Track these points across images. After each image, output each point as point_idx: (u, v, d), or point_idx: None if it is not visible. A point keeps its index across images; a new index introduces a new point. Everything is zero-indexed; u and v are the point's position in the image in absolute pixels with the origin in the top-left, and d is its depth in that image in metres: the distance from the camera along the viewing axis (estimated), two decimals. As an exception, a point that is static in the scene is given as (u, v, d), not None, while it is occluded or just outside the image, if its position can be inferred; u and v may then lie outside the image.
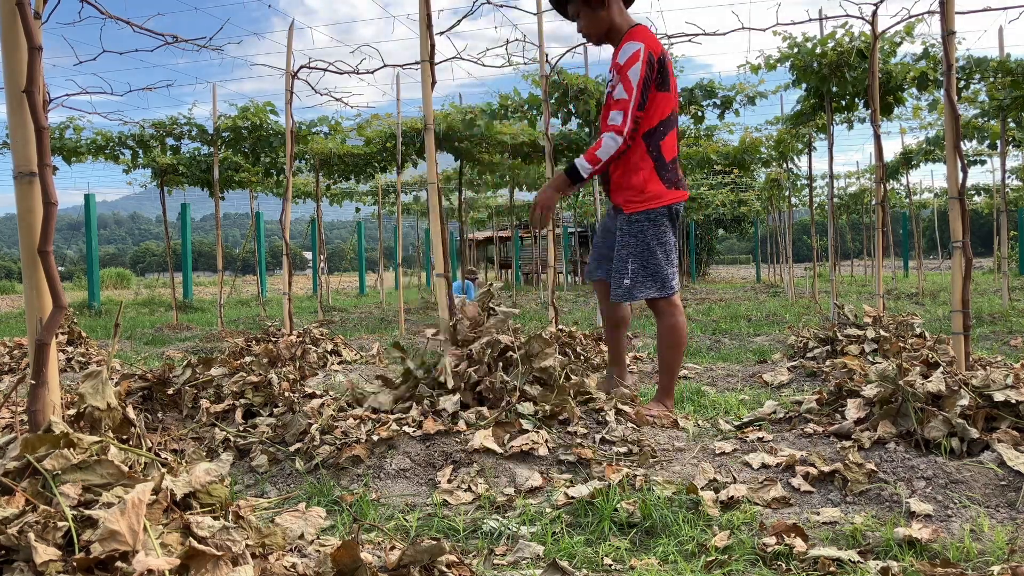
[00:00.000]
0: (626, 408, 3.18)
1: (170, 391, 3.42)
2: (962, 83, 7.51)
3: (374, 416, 2.99)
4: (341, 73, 5.22)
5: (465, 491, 2.47)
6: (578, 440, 2.85)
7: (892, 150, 25.06)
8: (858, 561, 1.88)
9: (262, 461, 2.79)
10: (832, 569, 1.85)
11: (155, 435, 2.89)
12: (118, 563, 1.37)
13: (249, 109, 8.57)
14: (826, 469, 2.45)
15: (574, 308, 11.80)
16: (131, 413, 1.89)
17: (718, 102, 7.80)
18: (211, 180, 9.49)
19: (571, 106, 7.55)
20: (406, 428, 2.83)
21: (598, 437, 2.88)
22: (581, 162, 3.13)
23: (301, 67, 5.57)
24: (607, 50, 3.43)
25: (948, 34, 3.17)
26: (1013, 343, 5.66)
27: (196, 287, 22.51)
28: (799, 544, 1.96)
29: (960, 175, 3.10)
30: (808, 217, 18.76)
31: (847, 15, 5.16)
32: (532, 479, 2.53)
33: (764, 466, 2.61)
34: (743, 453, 2.77)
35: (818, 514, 2.21)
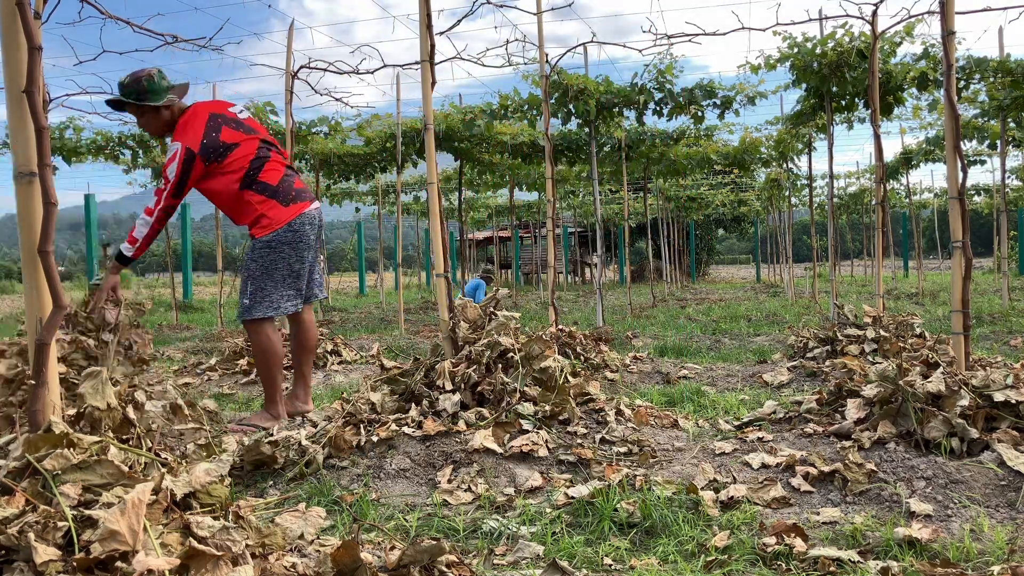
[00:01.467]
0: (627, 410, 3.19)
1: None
2: (962, 83, 7.50)
3: (374, 416, 2.99)
4: (341, 73, 5.23)
5: (465, 491, 2.47)
6: (578, 440, 2.85)
7: (892, 150, 25.05)
8: (858, 561, 1.88)
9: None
10: (832, 569, 1.85)
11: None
12: (118, 563, 1.37)
13: (249, 109, 8.56)
14: (826, 469, 2.45)
15: (574, 308, 11.80)
16: (131, 413, 1.89)
17: (718, 102, 7.78)
18: (211, 180, 9.48)
19: (571, 106, 7.54)
20: (406, 428, 2.83)
21: (598, 437, 2.88)
22: (124, 246, 3.46)
23: (301, 67, 5.58)
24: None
25: (948, 34, 3.17)
26: (1013, 343, 5.66)
27: (196, 287, 22.49)
28: (799, 544, 1.96)
29: (960, 175, 3.10)
30: (808, 217, 18.74)
31: (847, 15, 5.16)
32: (532, 479, 2.53)
33: (764, 466, 2.61)
34: (743, 453, 2.77)
35: (818, 514, 2.21)
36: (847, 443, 2.65)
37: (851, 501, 2.30)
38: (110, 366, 2.80)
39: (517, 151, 9.62)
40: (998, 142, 9.03)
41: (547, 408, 2.96)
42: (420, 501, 2.46)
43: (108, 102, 3.55)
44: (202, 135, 3.41)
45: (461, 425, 2.84)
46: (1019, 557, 1.88)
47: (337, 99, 6.23)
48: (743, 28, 4.80)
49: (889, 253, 23.96)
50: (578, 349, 4.97)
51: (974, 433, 2.51)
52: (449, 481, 2.54)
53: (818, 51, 6.53)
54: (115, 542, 1.37)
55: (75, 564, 1.35)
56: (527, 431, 2.82)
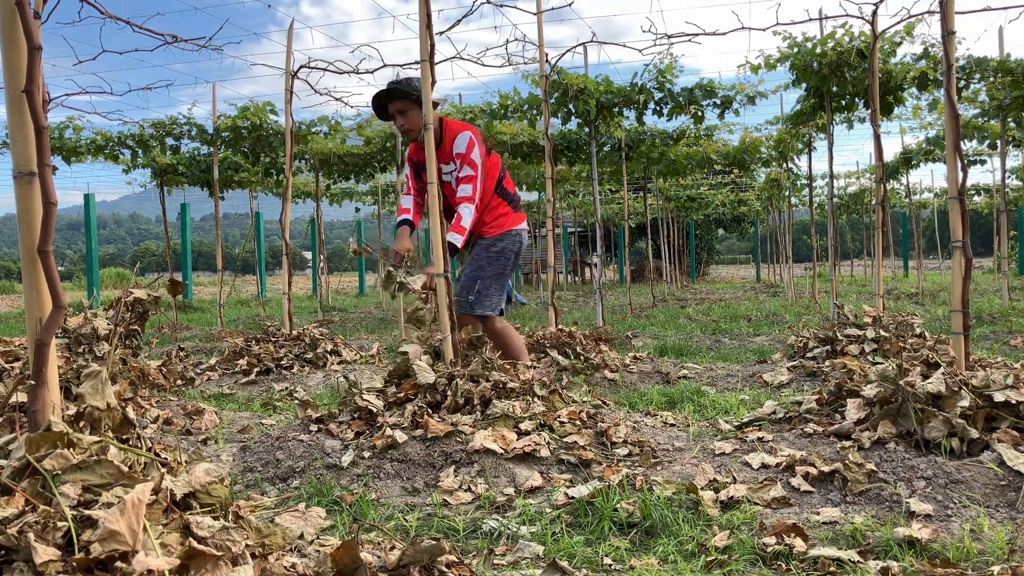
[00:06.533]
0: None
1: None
2: (962, 83, 7.50)
3: (371, 417, 2.99)
4: (341, 73, 5.22)
5: (465, 491, 2.47)
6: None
7: (892, 150, 25.03)
8: (858, 561, 1.88)
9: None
10: (832, 569, 1.85)
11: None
12: (118, 563, 1.36)
13: (249, 109, 8.56)
14: (826, 469, 2.45)
15: (574, 308, 11.80)
16: (131, 413, 1.89)
17: (718, 102, 7.78)
18: (211, 180, 9.49)
19: (571, 106, 7.54)
20: (399, 432, 2.83)
21: (598, 437, 2.87)
22: (453, 236, 3.62)
23: (301, 67, 5.58)
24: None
25: (948, 34, 3.16)
26: (1013, 343, 5.66)
27: (196, 287, 22.49)
28: (799, 544, 1.96)
29: (960, 175, 3.09)
30: (808, 217, 18.73)
31: (847, 15, 5.16)
32: (532, 479, 2.53)
33: (764, 466, 2.61)
34: (743, 453, 2.77)
35: (818, 514, 2.21)
36: (847, 443, 2.65)
37: (851, 501, 2.30)
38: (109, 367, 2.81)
39: (517, 151, 9.62)
40: (998, 142, 9.03)
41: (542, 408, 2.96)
42: (420, 501, 2.46)
43: (379, 95, 3.75)
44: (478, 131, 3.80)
45: (461, 425, 2.84)
46: (1019, 557, 1.88)
47: (337, 99, 6.23)
48: (743, 28, 4.79)
49: (889, 253, 23.95)
50: (578, 349, 4.97)
51: (974, 433, 2.51)
52: (449, 481, 2.54)
53: (818, 51, 6.53)
54: (115, 542, 1.37)
55: (75, 564, 1.35)
56: (528, 432, 2.82)
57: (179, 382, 4.59)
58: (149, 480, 1.56)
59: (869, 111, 5.84)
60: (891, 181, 15.24)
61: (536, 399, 3.07)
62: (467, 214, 3.65)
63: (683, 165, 10.62)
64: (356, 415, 3.06)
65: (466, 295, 3.82)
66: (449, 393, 3.04)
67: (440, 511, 2.34)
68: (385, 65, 4.79)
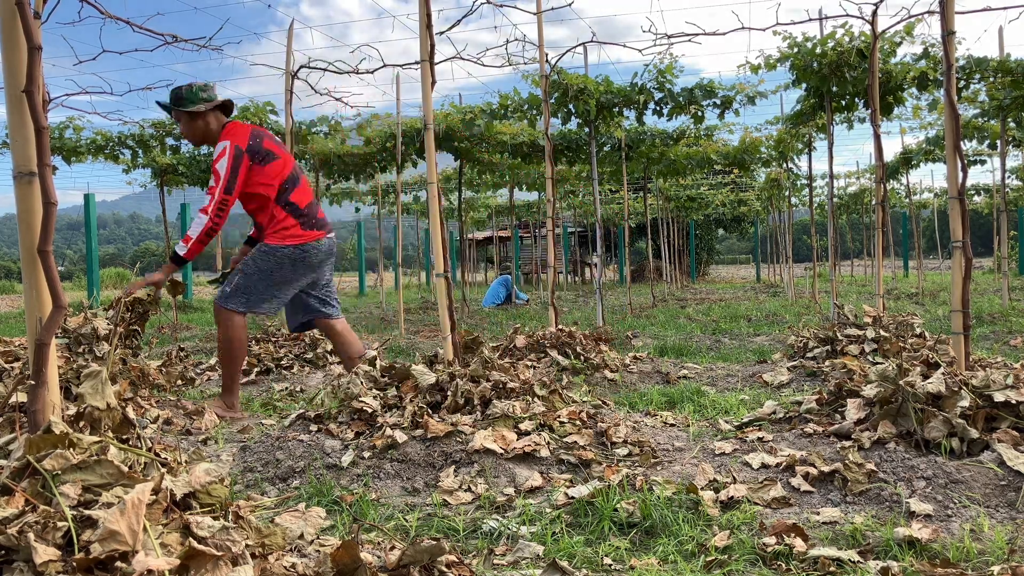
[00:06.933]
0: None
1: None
2: (962, 83, 7.50)
3: (371, 418, 2.99)
4: (341, 73, 5.23)
5: (465, 491, 2.47)
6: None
7: (892, 150, 25.04)
8: (858, 561, 1.88)
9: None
10: (832, 569, 1.85)
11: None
12: (118, 563, 1.36)
13: (249, 109, 8.56)
14: (826, 469, 2.45)
15: (574, 308, 11.80)
16: (131, 413, 1.89)
17: (718, 102, 7.78)
18: (211, 180, 9.48)
19: (571, 106, 7.54)
20: (399, 432, 2.83)
21: (598, 437, 2.87)
22: (179, 246, 3.63)
23: (301, 67, 5.58)
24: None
25: (948, 34, 3.16)
26: (1013, 343, 5.66)
27: (196, 287, 22.47)
28: (799, 544, 1.96)
29: (960, 175, 3.10)
30: (808, 217, 18.74)
31: (847, 15, 5.16)
32: (532, 479, 2.53)
33: (764, 466, 2.61)
34: (743, 453, 2.77)
35: (818, 514, 2.21)
36: (847, 443, 2.65)
37: (851, 501, 2.30)
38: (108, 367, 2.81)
39: (517, 151, 9.62)
40: (998, 142, 9.03)
41: (543, 408, 2.96)
42: (420, 501, 2.46)
43: (158, 102, 3.83)
44: (248, 138, 3.65)
45: (461, 425, 2.84)
46: (1019, 557, 1.88)
47: (337, 99, 6.23)
48: (743, 28, 4.79)
49: (889, 253, 23.94)
50: (578, 349, 4.97)
51: (974, 433, 2.51)
52: (450, 481, 2.54)
53: (818, 51, 6.53)
54: (115, 542, 1.37)
55: (75, 564, 1.35)
56: (528, 432, 2.82)
57: (179, 382, 4.59)
58: (149, 480, 1.56)
59: (869, 111, 5.84)
60: (891, 181, 15.24)
61: (536, 399, 3.08)
62: (196, 225, 3.56)
63: (683, 165, 10.63)
64: (356, 415, 3.07)
65: (224, 287, 3.78)
66: (449, 393, 3.04)
67: (440, 511, 2.34)
68: (385, 65, 4.79)
